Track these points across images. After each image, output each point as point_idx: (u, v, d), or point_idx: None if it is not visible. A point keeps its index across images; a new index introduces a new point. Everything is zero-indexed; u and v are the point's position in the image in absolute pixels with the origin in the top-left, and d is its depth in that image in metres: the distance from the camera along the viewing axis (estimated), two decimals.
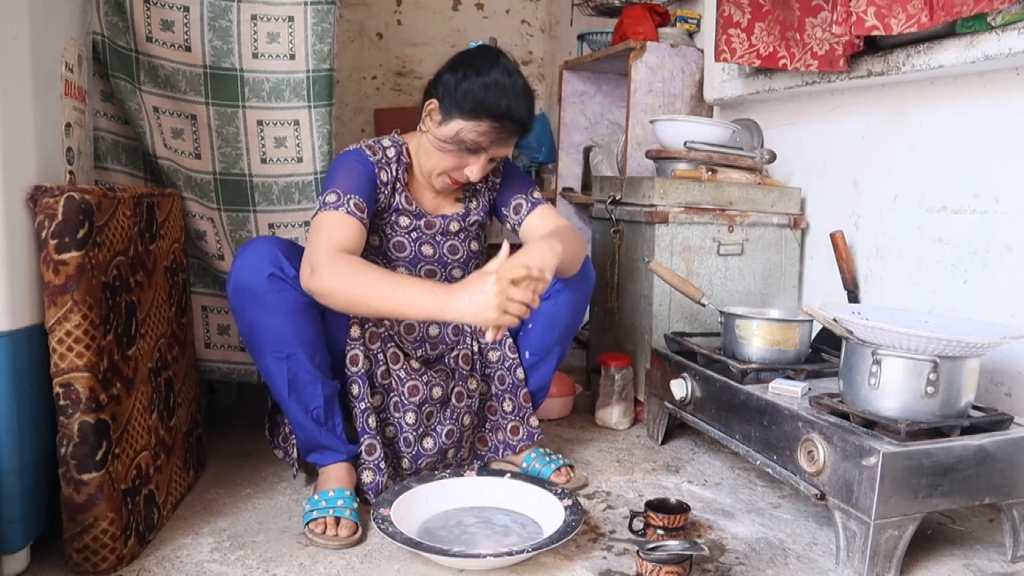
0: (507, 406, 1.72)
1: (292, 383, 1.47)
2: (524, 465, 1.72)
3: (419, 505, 1.47)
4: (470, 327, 1.70)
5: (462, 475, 1.55)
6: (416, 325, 1.66)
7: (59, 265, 1.19)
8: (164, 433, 1.48)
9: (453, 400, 1.66)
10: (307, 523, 1.43)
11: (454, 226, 1.66)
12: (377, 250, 1.62)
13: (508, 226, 1.73)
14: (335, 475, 1.53)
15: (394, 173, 1.59)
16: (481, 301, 1.29)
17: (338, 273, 1.36)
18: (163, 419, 1.48)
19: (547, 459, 1.71)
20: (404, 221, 1.62)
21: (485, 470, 1.56)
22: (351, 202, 1.47)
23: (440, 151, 1.53)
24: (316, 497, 1.48)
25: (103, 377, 1.23)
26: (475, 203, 1.69)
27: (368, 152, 1.57)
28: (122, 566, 1.28)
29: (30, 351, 1.20)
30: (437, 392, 1.63)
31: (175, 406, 1.55)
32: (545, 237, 1.49)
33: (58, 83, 1.34)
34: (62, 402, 1.20)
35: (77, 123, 1.44)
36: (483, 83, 1.48)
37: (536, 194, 1.71)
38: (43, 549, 1.30)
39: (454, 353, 1.69)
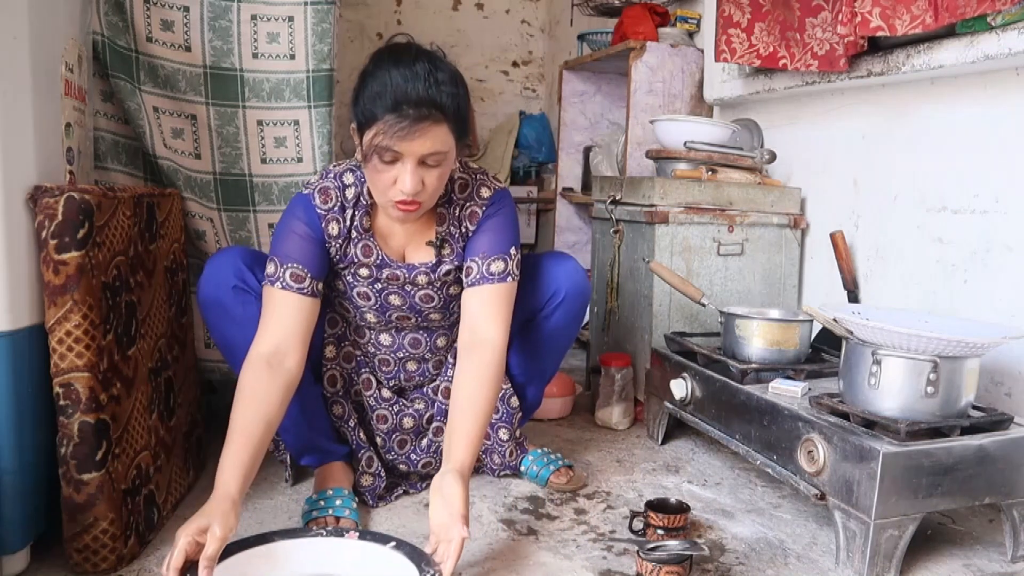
0: (503, 435, 1.67)
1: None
2: (523, 466, 1.71)
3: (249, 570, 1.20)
4: (452, 359, 1.58)
5: (343, 535, 1.28)
6: (391, 359, 1.58)
7: (59, 265, 1.19)
8: (164, 433, 1.48)
9: (431, 434, 1.61)
10: (306, 523, 1.43)
11: (422, 279, 1.47)
12: (343, 295, 1.51)
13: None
14: (332, 474, 1.53)
15: (348, 222, 1.42)
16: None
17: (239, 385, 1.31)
18: (163, 419, 1.48)
19: (546, 460, 1.70)
20: (364, 272, 1.46)
21: (369, 534, 1.29)
22: (287, 273, 1.35)
23: (371, 174, 1.33)
24: (315, 497, 1.48)
25: (103, 377, 1.23)
26: (448, 249, 1.47)
27: (319, 200, 1.41)
28: (122, 566, 1.28)
29: (30, 351, 1.20)
30: (408, 423, 1.60)
31: (175, 406, 1.55)
32: (450, 464, 1.27)
33: (58, 83, 1.34)
34: (62, 402, 1.20)
35: (77, 123, 1.44)
36: (372, 82, 1.29)
37: (498, 266, 1.43)
38: (43, 549, 1.30)
39: (433, 384, 1.62)
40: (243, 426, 1.27)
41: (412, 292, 1.49)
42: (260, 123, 1.81)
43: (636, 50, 2.49)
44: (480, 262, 1.43)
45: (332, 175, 1.44)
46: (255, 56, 1.79)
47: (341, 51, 1.93)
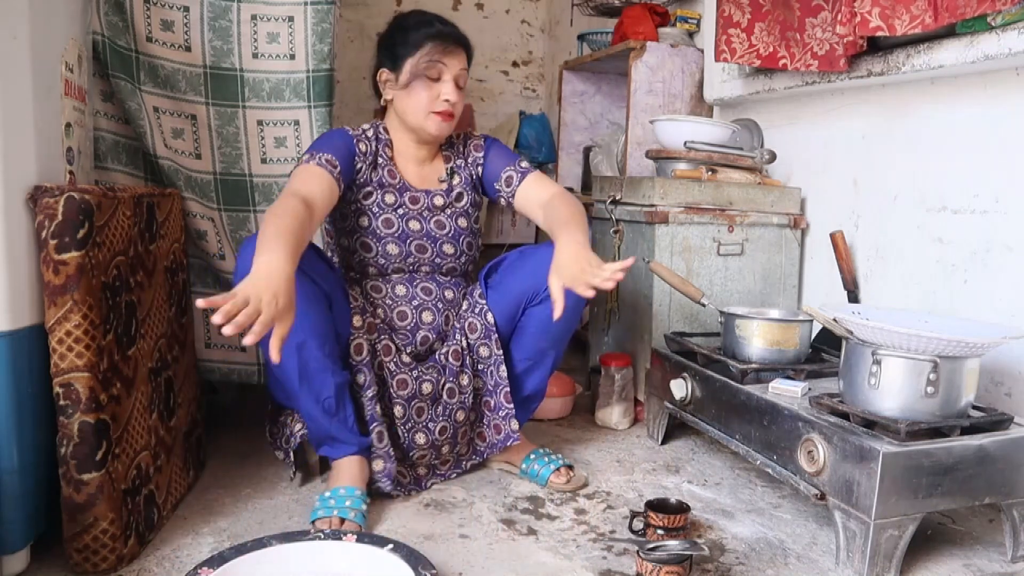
0: (491, 402, 1.72)
1: (303, 373, 1.47)
2: (524, 466, 1.73)
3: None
4: (459, 323, 1.69)
5: (340, 538, 1.29)
6: (408, 311, 1.65)
7: (59, 265, 1.19)
8: (164, 433, 1.48)
9: (444, 396, 1.66)
10: (313, 520, 1.44)
11: (439, 200, 1.70)
12: (367, 230, 1.64)
13: (502, 201, 1.75)
14: (348, 471, 1.54)
15: (374, 147, 1.67)
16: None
17: (269, 216, 1.35)
18: (163, 419, 1.48)
19: (546, 459, 1.71)
20: (390, 198, 1.66)
21: (367, 537, 1.31)
22: (322, 157, 1.54)
23: (411, 94, 1.62)
24: (327, 494, 1.49)
25: (103, 377, 1.23)
26: (457, 179, 1.74)
27: (349, 128, 1.68)
28: (122, 566, 1.28)
29: (30, 351, 1.20)
30: (427, 388, 1.63)
31: (175, 406, 1.55)
32: (570, 233, 1.49)
33: (58, 83, 1.34)
34: (62, 402, 1.20)
35: (77, 123, 1.44)
36: (396, 26, 1.67)
37: (524, 164, 1.75)
38: (43, 549, 1.30)
39: (444, 349, 1.68)
40: (282, 217, 1.35)
41: (428, 218, 1.69)
42: (260, 123, 1.81)
43: (636, 50, 2.49)
44: (513, 169, 1.74)
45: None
46: (255, 56, 1.79)
47: (341, 51, 1.93)
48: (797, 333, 1.71)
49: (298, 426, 1.61)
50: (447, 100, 1.61)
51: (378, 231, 1.64)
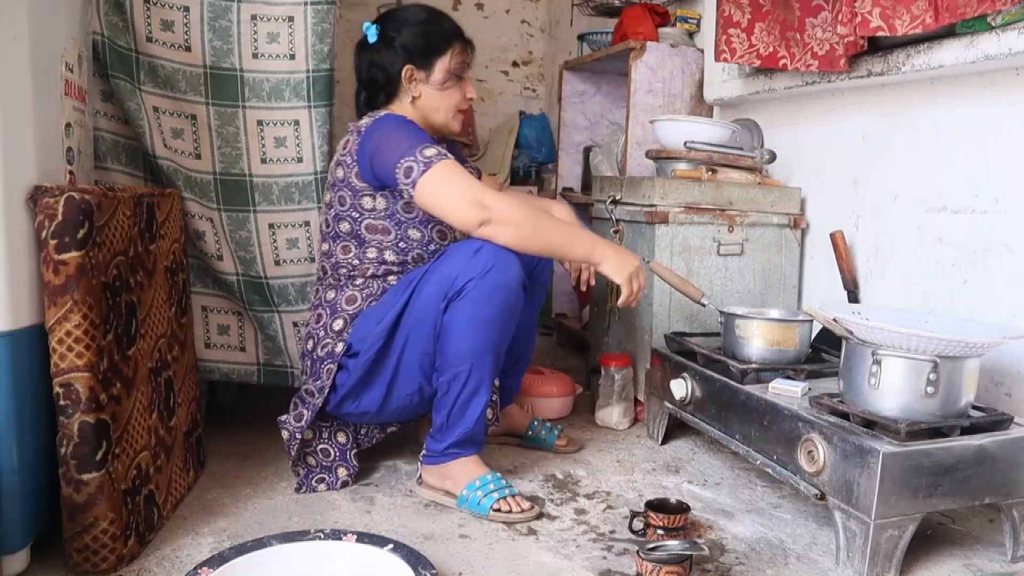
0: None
1: (494, 376, 1.58)
2: (529, 433, 1.92)
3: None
4: None
5: (340, 538, 1.29)
6: (424, 255, 1.67)
7: (59, 265, 1.19)
8: (164, 433, 1.48)
9: None
10: (490, 507, 1.52)
11: None
12: (384, 213, 1.61)
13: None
14: (475, 464, 1.60)
15: None
16: (625, 260, 1.60)
17: (512, 201, 1.49)
18: (163, 419, 1.48)
19: (549, 427, 1.93)
20: None
21: (367, 537, 1.30)
22: (442, 150, 1.54)
23: (444, 93, 1.68)
24: (476, 483, 1.55)
25: (103, 377, 1.23)
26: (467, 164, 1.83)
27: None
28: (122, 566, 1.28)
29: (30, 351, 1.21)
30: None
31: (175, 406, 1.55)
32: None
33: (58, 83, 1.34)
34: (62, 402, 1.20)
35: (77, 123, 1.44)
36: (424, 23, 1.67)
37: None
38: (43, 549, 1.30)
39: None
40: (545, 215, 1.60)
41: None
42: (260, 123, 1.81)
43: (636, 50, 2.49)
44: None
45: (367, 114, 1.69)
46: (255, 56, 1.79)
47: (341, 51, 1.93)
48: (797, 333, 1.71)
49: (342, 436, 1.68)
50: (470, 99, 1.72)
51: (398, 215, 1.62)
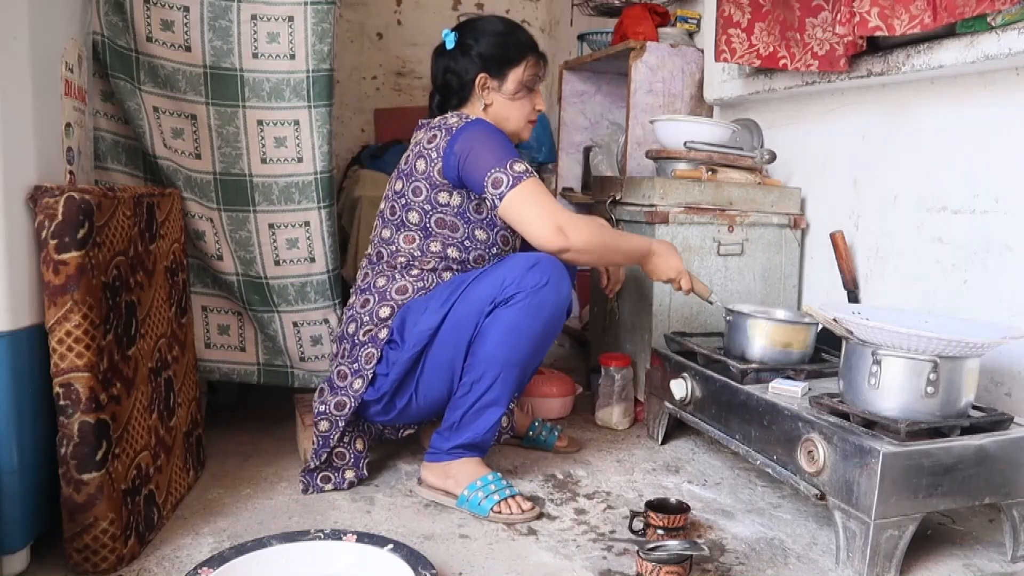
0: None
1: (515, 391, 1.61)
2: (530, 434, 1.92)
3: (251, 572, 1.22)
4: None
5: (340, 538, 1.29)
6: (486, 256, 1.72)
7: (59, 265, 1.19)
8: (164, 433, 1.48)
9: None
10: (491, 508, 1.52)
11: None
12: (456, 210, 1.64)
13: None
14: (477, 464, 1.61)
15: None
16: (673, 262, 1.74)
17: (589, 229, 1.57)
18: (163, 419, 1.48)
19: (549, 427, 1.93)
20: None
21: (367, 536, 1.30)
22: (529, 168, 1.59)
23: (514, 103, 1.73)
24: (478, 483, 1.56)
25: (103, 377, 1.23)
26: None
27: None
28: (122, 566, 1.28)
29: (30, 351, 1.21)
30: None
31: (175, 406, 1.55)
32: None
33: (58, 83, 1.34)
34: (62, 402, 1.20)
35: (77, 123, 1.44)
36: (501, 35, 1.71)
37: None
38: (43, 549, 1.30)
39: None
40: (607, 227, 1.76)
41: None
42: (260, 123, 1.81)
43: (636, 50, 2.49)
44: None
45: (456, 114, 1.69)
46: (255, 56, 1.79)
47: (341, 51, 1.93)
48: (807, 335, 1.72)
49: (359, 444, 1.68)
50: (539, 110, 1.79)
51: (468, 215, 1.66)
